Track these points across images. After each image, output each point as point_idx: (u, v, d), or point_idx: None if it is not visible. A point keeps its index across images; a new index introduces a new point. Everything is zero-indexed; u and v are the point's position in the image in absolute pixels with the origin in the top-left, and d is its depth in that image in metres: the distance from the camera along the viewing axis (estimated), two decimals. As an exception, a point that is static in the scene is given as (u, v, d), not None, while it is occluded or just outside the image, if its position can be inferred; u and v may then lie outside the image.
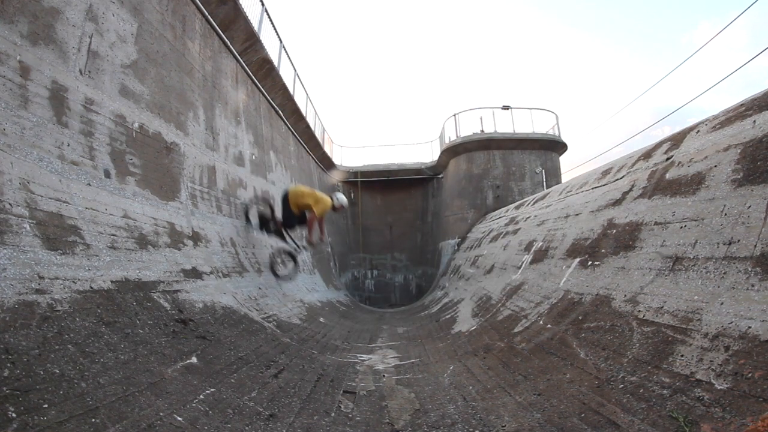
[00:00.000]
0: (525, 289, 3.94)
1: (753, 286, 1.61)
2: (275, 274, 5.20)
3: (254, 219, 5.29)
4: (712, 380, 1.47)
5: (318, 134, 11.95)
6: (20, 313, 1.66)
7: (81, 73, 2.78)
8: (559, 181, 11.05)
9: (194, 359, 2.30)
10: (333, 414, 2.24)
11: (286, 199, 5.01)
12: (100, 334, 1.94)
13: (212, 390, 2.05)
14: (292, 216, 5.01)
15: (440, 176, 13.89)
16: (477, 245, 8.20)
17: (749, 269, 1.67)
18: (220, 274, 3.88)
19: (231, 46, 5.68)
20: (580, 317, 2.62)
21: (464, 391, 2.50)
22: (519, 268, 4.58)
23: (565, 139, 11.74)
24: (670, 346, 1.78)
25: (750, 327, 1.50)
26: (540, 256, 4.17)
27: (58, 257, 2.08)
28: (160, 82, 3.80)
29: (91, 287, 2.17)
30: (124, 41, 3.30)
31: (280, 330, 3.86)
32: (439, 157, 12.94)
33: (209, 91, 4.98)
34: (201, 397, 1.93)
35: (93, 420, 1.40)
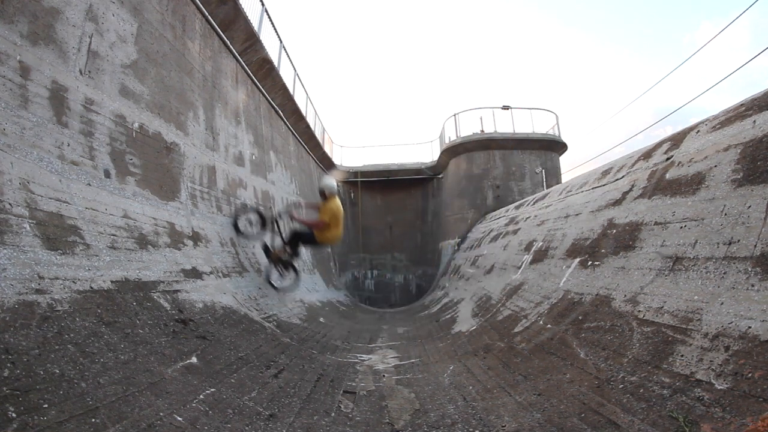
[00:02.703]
0: (525, 289, 3.94)
1: (753, 286, 1.61)
2: (272, 285, 4.85)
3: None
4: (712, 380, 1.47)
5: (318, 134, 11.95)
6: (20, 313, 1.66)
7: (81, 73, 2.78)
8: (559, 181, 11.06)
9: (194, 359, 2.30)
10: (333, 414, 2.24)
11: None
12: (100, 334, 1.94)
13: (212, 390, 2.05)
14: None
15: (440, 176, 13.89)
16: (477, 245, 8.19)
17: (749, 269, 1.67)
18: (220, 274, 3.88)
19: (231, 46, 5.68)
20: (580, 317, 2.62)
21: (464, 391, 2.50)
22: (519, 268, 4.58)
23: (565, 139, 11.75)
24: (670, 346, 1.78)
25: (750, 327, 1.50)
26: (540, 256, 4.17)
27: (58, 257, 2.08)
28: (160, 82, 3.80)
29: (91, 287, 2.17)
30: (124, 41, 3.30)
31: (280, 330, 3.86)
32: (439, 157, 12.94)
33: (209, 91, 4.98)
34: (201, 397, 1.93)
35: (93, 420, 1.40)
